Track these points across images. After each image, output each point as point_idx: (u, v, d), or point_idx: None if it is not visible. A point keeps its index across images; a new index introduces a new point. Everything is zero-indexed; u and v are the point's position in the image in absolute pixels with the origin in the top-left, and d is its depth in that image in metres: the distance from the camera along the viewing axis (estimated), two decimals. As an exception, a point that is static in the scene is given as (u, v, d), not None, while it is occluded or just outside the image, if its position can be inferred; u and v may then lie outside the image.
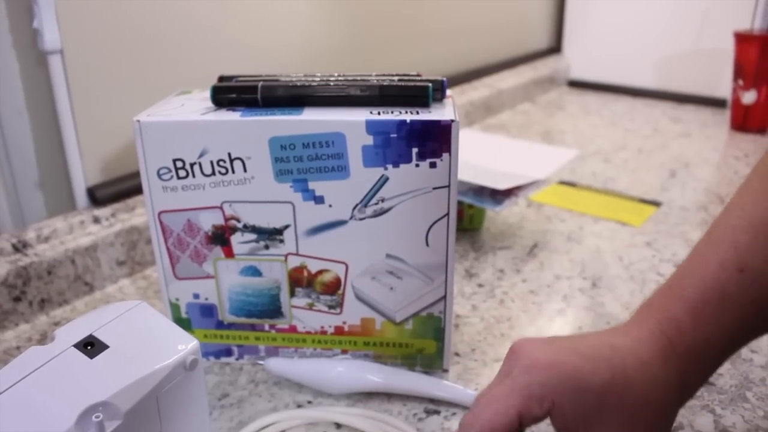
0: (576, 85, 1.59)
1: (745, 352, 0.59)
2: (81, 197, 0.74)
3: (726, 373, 0.56)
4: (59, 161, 0.73)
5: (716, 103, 1.42)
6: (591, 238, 0.81)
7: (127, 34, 0.73)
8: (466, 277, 0.72)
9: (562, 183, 0.99)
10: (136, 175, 0.76)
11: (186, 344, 0.42)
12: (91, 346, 0.40)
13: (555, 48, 1.62)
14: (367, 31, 1.06)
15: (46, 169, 0.73)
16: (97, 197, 0.73)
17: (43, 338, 0.64)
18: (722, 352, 0.40)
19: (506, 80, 1.39)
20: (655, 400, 0.37)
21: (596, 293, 0.69)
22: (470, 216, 0.81)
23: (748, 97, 1.23)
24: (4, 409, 0.36)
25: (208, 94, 0.54)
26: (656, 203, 0.92)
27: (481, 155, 1.06)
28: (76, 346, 0.40)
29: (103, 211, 0.73)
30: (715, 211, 0.89)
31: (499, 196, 0.76)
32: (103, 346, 0.40)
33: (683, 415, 0.51)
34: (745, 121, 1.25)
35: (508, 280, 0.71)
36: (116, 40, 0.72)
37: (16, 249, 0.66)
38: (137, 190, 0.76)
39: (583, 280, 0.71)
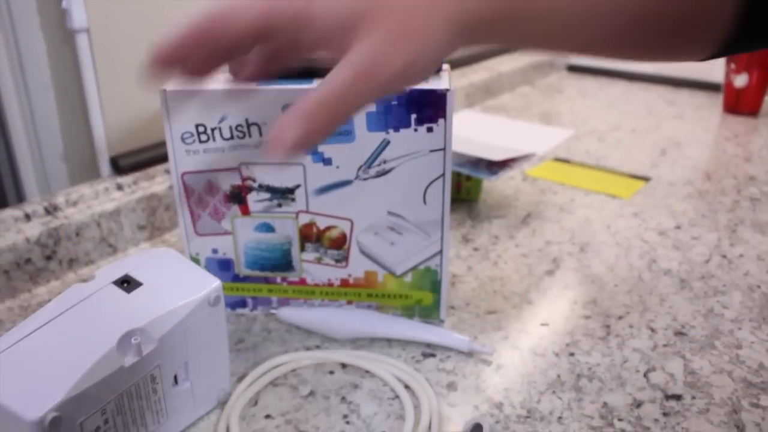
0: (574, 69, 1.63)
1: (717, 307, 0.64)
2: (105, 166, 0.79)
3: (698, 326, 0.61)
4: (82, 134, 0.79)
5: (711, 87, 1.46)
6: (582, 209, 0.86)
7: (147, 13, 0.78)
8: (462, 242, 0.77)
9: (557, 159, 1.04)
10: (156, 146, 0.82)
11: (210, 284, 0.47)
12: (127, 283, 0.46)
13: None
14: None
15: (70, 142, 0.78)
16: (120, 166, 0.78)
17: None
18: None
19: (505, 64, 1.44)
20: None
21: (583, 256, 0.74)
22: (468, 188, 0.86)
23: (740, 80, 1.27)
24: (53, 333, 0.42)
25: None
26: (645, 178, 0.97)
27: (480, 133, 1.11)
28: (115, 283, 0.46)
29: (125, 179, 0.78)
30: (701, 186, 0.94)
31: (494, 167, 0.81)
32: (138, 284, 0.46)
33: (656, 359, 0.57)
34: (737, 103, 1.30)
35: (502, 245, 0.77)
36: (138, 18, 0.78)
37: (48, 212, 0.72)
38: (156, 160, 0.82)
39: (572, 246, 0.76)
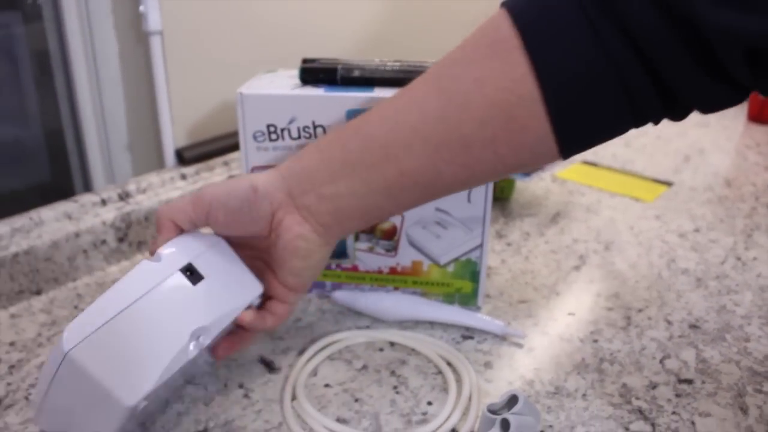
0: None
1: (729, 304, 0.70)
2: (170, 157, 0.87)
3: (711, 320, 0.68)
4: (147, 127, 0.86)
5: (736, 95, 1.51)
6: (607, 210, 0.93)
7: (217, 18, 0.86)
8: (496, 237, 0.84)
9: (585, 162, 1.10)
10: (217, 139, 0.89)
11: (256, 290, 0.53)
12: (191, 273, 0.50)
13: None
14: (405, 19, 1.17)
15: (135, 134, 0.86)
16: (185, 157, 0.86)
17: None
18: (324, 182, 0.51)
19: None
20: (268, 196, 0.52)
21: (608, 254, 0.80)
22: (501, 187, 0.93)
23: (764, 91, 1.32)
24: (136, 318, 0.46)
25: (292, 72, 0.67)
26: (668, 183, 1.03)
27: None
28: (181, 270, 0.49)
29: (188, 170, 0.86)
30: (721, 192, 1.00)
31: (527, 169, 0.87)
32: (200, 277, 0.50)
33: (671, 348, 0.63)
34: (761, 113, 1.35)
35: (533, 241, 0.83)
36: (208, 23, 0.85)
37: (121, 198, 0.79)
38: (217, 153, 0.89)
39: (597, 244, 0.83)
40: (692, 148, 1.19)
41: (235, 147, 0.90)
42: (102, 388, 0.44)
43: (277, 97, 0.61)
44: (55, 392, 0.47)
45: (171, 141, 0.86)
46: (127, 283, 0.48)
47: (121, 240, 0.78)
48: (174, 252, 0.50)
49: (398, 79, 0.62)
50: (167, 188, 0.83)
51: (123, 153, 0.89)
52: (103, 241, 0.76)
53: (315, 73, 0.62)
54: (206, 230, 0.55)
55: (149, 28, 0.80)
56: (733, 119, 1.36)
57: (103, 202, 0.78)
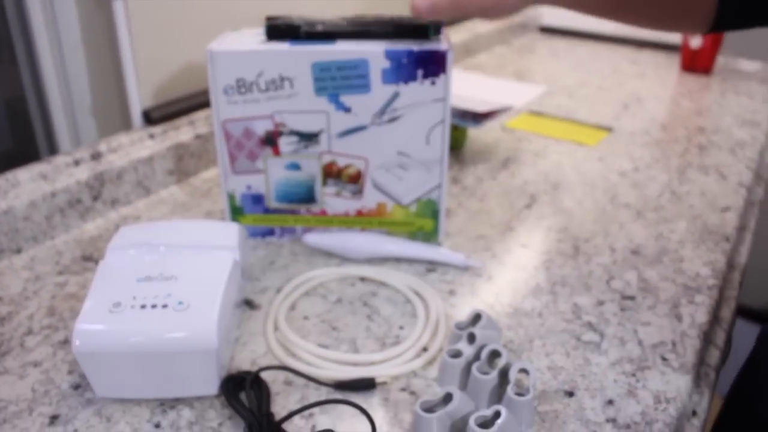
0: (546, 31, 1.75)
1: (666, 232, 0.78)
2: (137, 118, 0.89)
3: (650, 246, 0.75)
4: (111, 90, 0.89)
5: (671, 47, 1.59)
6: (554, 154, 0.99)
7: (174, -19, 0.88)
8: (452, 183, 0.90)
9: (531, 113, 1.16)
10: (182, 99, 0.92)
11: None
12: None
13: (528, -4, 1.78)
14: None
15: (98, 98, 0.88)
16: (152, 118, 0.89)
17: (116, 231, 0.80)
18: None
19: (483, 25, 1.55)
20: None
21: (556, 194, 0.87)
22: (455, 137, 0.98)
23: (695, 41, 1.40)
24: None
25: (256, 30, 0.70)
26: (609, 129, 1.10)
27: (463, 89, 1.23)
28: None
29: (155, 129, 0.89)
30: (657, 135, 1.07)
31: (479, 118, 0.93)
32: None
33: (615, 271, 0.70)
34: (692, 63, 1.43)
35: (486, 185, 0.89)
36: (166, -14, 0.87)
37: (93, 158, 0.82)
38: (183, 112, 0.92)
39: (546, 185, 0.89)
40: (630, 97, 1.26)
41: (199, 106, 0.94)
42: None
43: (246, 53, 0.65)
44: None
45: (138, 102, 0.89)
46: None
47: (95, 198, 0.81)
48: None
49: (357, 32, 0.66)
50: (137, 147, 0.86)
51: (87, 117, 0.91)
52: (79, 200, 0.79)
53: (280, 30, 0.66)
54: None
55: (111, -8, 0.82)
56: (667, 69, 1.44)
57: (76, 163, 0.80)
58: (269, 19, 0.69)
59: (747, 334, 1.59)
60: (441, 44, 0.65)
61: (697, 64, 1.42)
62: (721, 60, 1.48)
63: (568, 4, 0.62)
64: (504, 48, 1.60)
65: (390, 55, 0.64)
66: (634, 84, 1.34)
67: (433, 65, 0.65)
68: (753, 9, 0.59)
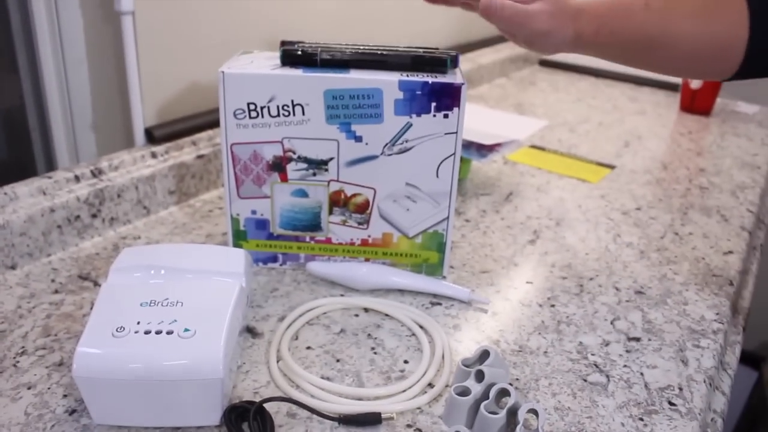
0: (546, 64, 1.76)
1: (669, 273, 0.77)
2: (139, 136, 0.89)
3: (654, 287, 0.74)
4: (113, 107, 0.88)
5: (670, 86, 1.60)
6: (556, 190, 0.99)
7: (188, 0, 0.88)
8: (455, 214, 0.89)
9: (533, 147, 1.16)
10: (186, 119, 0.92)
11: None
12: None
13: (529, 30, 1.79)
14: (368, 5, 1.21)
15: (100, 114, 0.87)
16: (155, 136, 0.88)
17: (116, 249, 0.79)
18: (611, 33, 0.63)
19: (486, 56, 1.56)
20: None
21: (559, 229, 0.87)
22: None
23: (695, 82, 1.41)
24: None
25: (269, 54, 0.70)
26: (611, 166, 1.10)
27: (466, 120, 1.23)
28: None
29: (158, 148, 0.88)
30: (659, 174, 1.07)
31: (483, 150, 0.93)
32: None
33: (620, 311, 0.69)
34: (692, 103, 1.44)
35: (489, 218, 0.89)
36: (178, 5, 0.87)
37: (94, 175, 0.81)
38: (185, 132, 0.91)
39: (549, 220, 0.89)
40: (631, 135, 1.26)
41: (202, 127, 0.93)
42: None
43: (259, 77, 0.64)
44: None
45: (141, 120, 0.88)
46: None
47: (94, 216, 0.80)
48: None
49: (372, 61, 0.66)
50: (138, 166, 0.85)
51: (87, 132, 0.90)
52: (77, 217, 0.78)
53: (295, 55, 0.66)
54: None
55: (121, 8, 0.82)
56: (666, 108, 1.45)
57: (77, 179, 0.79)
58: (284, 43, 0.69)
59: (741, 376, 1.59)
60: (456, 77, 0.65)
61: (696, 104, 1.43)
62: (720, 102, 1.50)
63: (605, 56, 0.67)
64: (505, 80, 1.61)
65: (404, 85, 0.64)
66: (634, 121, 1.34)
67: (447, 98, 0.64)
68: None
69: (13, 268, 0.73)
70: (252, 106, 0.66)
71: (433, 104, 0.65)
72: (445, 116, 0.65)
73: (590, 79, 1.66)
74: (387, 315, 0.66)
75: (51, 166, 0.88)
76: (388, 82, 0.64)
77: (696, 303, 0.72)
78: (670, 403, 0.57)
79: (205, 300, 0.54)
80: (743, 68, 0.62)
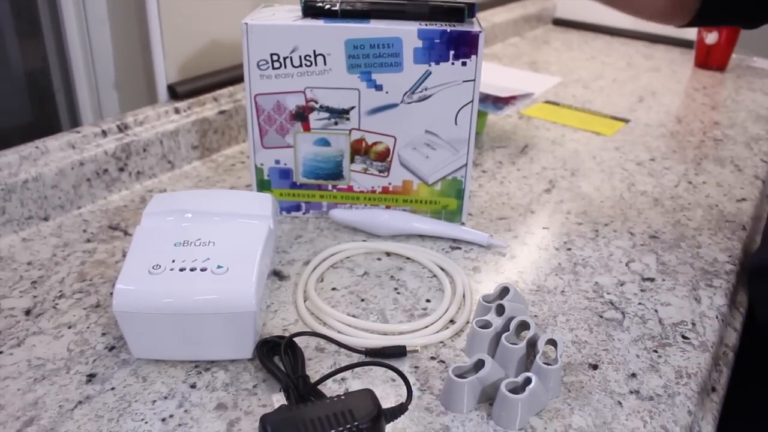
0: (560, 23, 1.76)
1: (683, 219, 0.79)
2: (162, 92, 0.90)
3: (668, 232, 0.76)
4: (134, 65, 0.89)
5: (684, 43, 1.60)
6: (571, 143, 1.00)
7: (204, -42, 0.89)
8: (472, 166, 0.91)
9: (548, 102, 1.17)
10: (207, 75, 0.93)
11: None
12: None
13: (543, -12, 1.79)
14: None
15: (122, 72, 0.89)
16: (178, 92, 0.90)
17: (143, 202, 0.81)
18: None
19: (499, 15, 1.56)
20: None
21: (574, 179, 0.88)
22: (474, 122, 0.99)
23: (711, 37, 1.41)
24: None
25: (290, 6, 0.72)
26: (625, 120, 1.11)
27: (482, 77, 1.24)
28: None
29: (181, 104, 0.90)
30: (673, 127, 1.08)
31: (499, 103, 0.94)
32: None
33: (635, 254, 0.71)
34: (707, 59, 1.44)
35: (506, 169, 0.91)
36: (197, -38, 0.88)
37: (120, 129, 0.83)
38: (207, 89, 0.93)
39: (564, 171, 0.91)
40: (645, 90, 1.27)
41: (223, 83, 0.95)
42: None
43: (281, 27, 0.66)
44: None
45: (164, 77, 0.90)
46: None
47: (121, 170, 0.82)
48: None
49: (391, 11, 0.67)
50: (162, 121, 0.87)
51: (110, 90, 0.92)
52: (105, 171, 0.80)
53: (317, 7, 0.67)
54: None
55: (142, -34, 0.83)
56: (681, 64, 1.45)
57: (104, 133, 0.81)
58: (303, -4, 0.70)
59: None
60: (473, 26, 0.66)
61: (711, 60, 1.43)
62: (735, 57, 1.49)
63: None
64: (518, 39, 1.61)
65: (422, 34, 0.66)
66: (648, 78, 1.35)
67: (464, 47, 0.66)
68: (732, 7, 0.65)
69: (46, 219, 0.76)
70: (275, 57, 0.67)
71: (452, 52, 0.66)
72: (464, 64, 0.67)
73: (605, 38, 1.66)
74: (408, 258, 0.69)
75: (75, 125, 0.91)
76: (408, 31, 0.65)
77: (709, 246, 0.74)
78: (683, 337, 0.59)
79: (235, 240, 0.56)
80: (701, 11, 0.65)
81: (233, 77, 0.96)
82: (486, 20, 1.51)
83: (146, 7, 0.85)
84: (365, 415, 0.43)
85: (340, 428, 0.42)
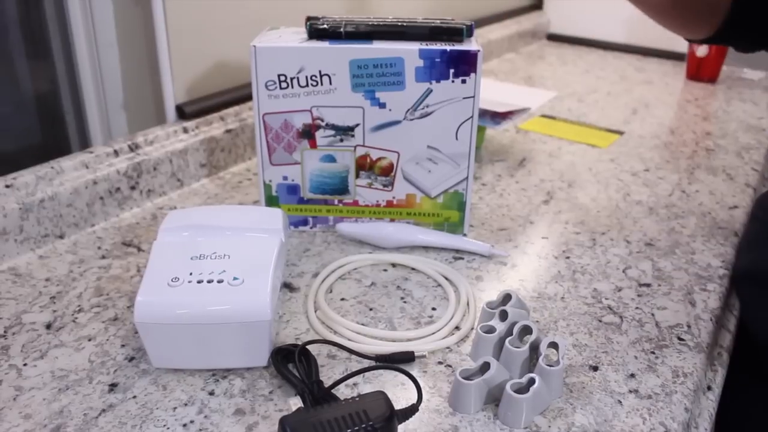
0: (554, 38, 1.80)
1: (677, 227, 0.82)
2: (171, 113, 0.93)
3: (663, 239, 0.79)
4: (143, 86, 0.92)
5: (676, 56, 1.64)
6: (567, 155, 1.03)
7: (210, -17, 0.92)
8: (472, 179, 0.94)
9: (544, 116, 1.21)
10: (214, 95, 0.96)
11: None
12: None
13: (537, 5, 1.83)
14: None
15: (130, 93, 0.92)
16: (186, 112, 0.93)
17: (154, 219, 0.84)
18: None
19: (495, 32, 1.60)
20: None
21: (571, 190, 0.91)
22: (473, 136, 1.02)
23: (701, 50, 1.45)
24: None
25: (295, 29, 0.75)
26: (620, 132, 1.14)
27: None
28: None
29: (189, 124, 0.93)
30: (666, 138, 1.12)
31: (497, 118, 0.97)
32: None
33: (631, 261, 0.74)
34: (698, 71, 1.48)
35: (505, 182, 0.93)
36: (203, -13, 0.92)
37: (131, 149, 0.86)
38: (214, 109, 0.96)
39: (561, 182, 0.93)
40: (639, 103, 1.30)
41: (229, 103, 0.98)
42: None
43: (288, 49, 0.69)
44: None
45: (172, 97, 0.93)
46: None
47: (132, 188, 0.85)
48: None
49: (393, 32, 0.70)
50: (172, 140, 0.90)
51: (119, 111, 0.95)
52: (117, 189, 0.83)
53: (322, 29, 0.70)
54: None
55: (151, -9, 0.86)
56: (673, 77, 1.49)
57: (116, 153, 0.84)
58: (310, 19, 0.73)
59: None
60: (472, 45, 0.69)
61: (702, 72, 1.46)
62: (725, 69, 1.53)
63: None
64: (513, 55, 1.65)
65: (424, 54, 0.69)
66: (641, 90, 1.38)
67: (464, 65, 0.69)
68: (757, 29, 0.66)
69: (61, 237, 0.78)
70: (282, 78, 0.70)
71: (452, 70, 0.69)
72: (463, 81, 0.70)
73: (598, 52, 1.69)
74: (413, 269, 0.71)
75: (85, 146, 0.93)
76: (409, 51, 0.68)
77: (703, 252, 0.76)
78: (679, 339, 0.62)
79: (249, 253, 0.59)
80: (726, 25, 0.66)
81: (239, 97, 0.99)
82: (482, 37, 1.54)
83: (155, 31, 0.89)
84: (379, 415, 0.45)
85: (356, 428, 0.44)
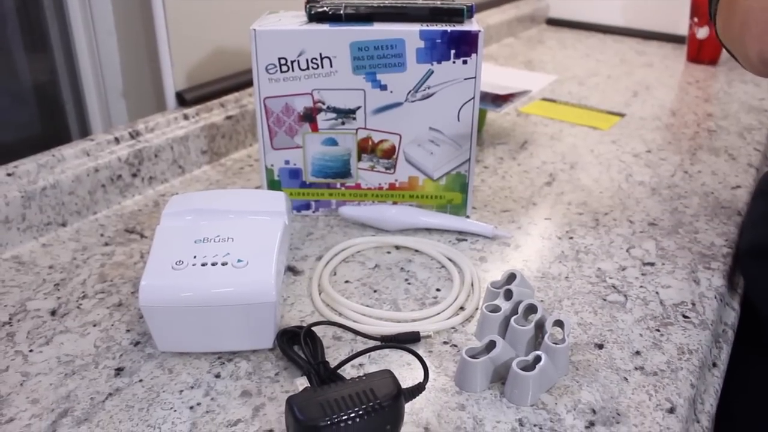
0: (554, 23, 1.79)
1: (680, 207, 0.82)
2: (171, 100, 0.93)
3: (666, 219, 0.79)
4: (142, 74, 0.92)
5: (677, 39, 1.63)
6: (569, 137, 1.03)
7: (208, -32, 0.92)
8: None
9: (545, 99, 1.20)
10: (214, 82, 0.96)
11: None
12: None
13: (535, -11, 1.82)
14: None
15: (130, 81, 0.92)
16: (186, 99, 0.92)
17: (156, 206, 0.84)
18: None
19: (493, 17, 1.59)
20: None
21: (574, 172, 0.91)
22: (474, 120, 1.02)
23: (702, 32, 1.44)
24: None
25: (295, 12, 0.74)
26: (621, 114, 1.14)
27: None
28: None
29: (189, 111, 0.92)
30: (668, 120, 1.11)
31: (498, 100, 0.97)
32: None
33: (635, 241, 0.74)
34: (699, 54, 1.47)
35: (507, 164, 0.93)
36: (201, -27, 0.91)
37: (132, 136, 0.86)
38: (214, 95, 0.96)
39: (563, 164, 0.93)
40: (640, 85, 1.30)
41: (229, 89, 0.97)
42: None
43: (288, 32, 0.69)
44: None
45: (172, 84, 0.92)
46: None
47: (134, 175, 0.85)
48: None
49: (394, 13, 0.70)
50: (172, 127, 0.89)
51: (118, 99, 0.95)
52: (119, 176, 0.83)
53: (322, 12, 0.70)
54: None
55: (149, -22, 0.86)
56: (674, 59, 1.48)
57: (117, 140, 0.84)
58: (309, 1, 0.73)
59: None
60: (473, 26, 0.69)
61: (703, 55, 1.46)
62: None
63: None
64: (513, 39, 1.64)
65: (424, 35, 0.68)
66: (642, 73, 1.38)
67: (465, 46, 0.69)
68: None
69: (64, 225, 0.78)
70: (283, 61, 0.70)
71: (453, 51, 0.69)
72: (464, 62, 0.69)
73: (598, 36, 1.69)
74: (417, 251, 0.71)
75: (85, 135, 0.93)
76: (410, 32, 0.68)
77: (706, 231, 0.76)
78: (684, 316, 0.62)
79: (253, 236, 0.59)
80: None
81: (239, 83, 0.98)
82: (481, 22, 1.54)
83: (153, 18, 0.88)
84: (386, 393, 0.45)
85: (363, 406, 0.44)
